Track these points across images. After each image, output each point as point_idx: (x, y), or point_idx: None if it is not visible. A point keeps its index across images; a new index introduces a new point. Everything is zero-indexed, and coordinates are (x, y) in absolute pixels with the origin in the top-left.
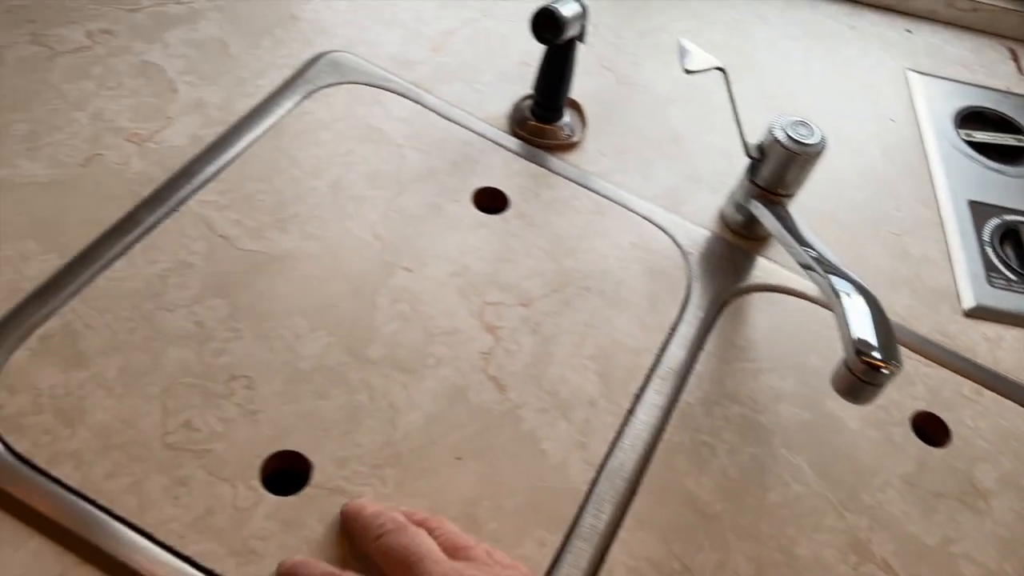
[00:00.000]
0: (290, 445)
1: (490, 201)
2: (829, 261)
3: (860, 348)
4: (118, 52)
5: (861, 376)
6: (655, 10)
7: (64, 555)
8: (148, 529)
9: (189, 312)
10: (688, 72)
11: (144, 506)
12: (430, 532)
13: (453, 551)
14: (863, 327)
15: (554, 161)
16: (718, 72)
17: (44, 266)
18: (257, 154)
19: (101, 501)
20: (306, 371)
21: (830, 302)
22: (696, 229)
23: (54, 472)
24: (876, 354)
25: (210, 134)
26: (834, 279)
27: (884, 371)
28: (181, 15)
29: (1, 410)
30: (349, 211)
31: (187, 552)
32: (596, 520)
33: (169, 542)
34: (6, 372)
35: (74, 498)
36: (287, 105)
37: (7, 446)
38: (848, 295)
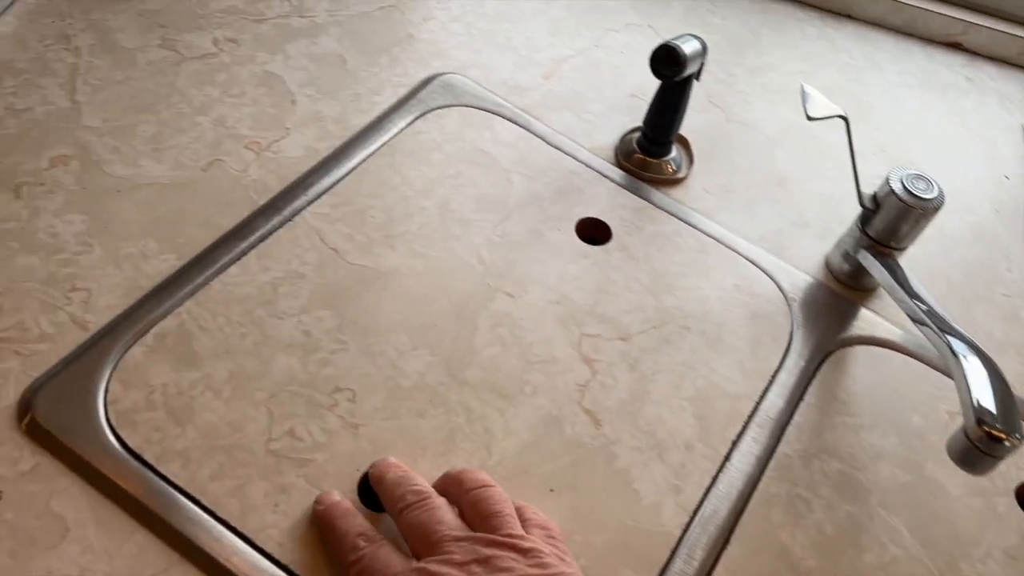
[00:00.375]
0: None
1: (592, 231)
2: (942, 318)
3: (982, 417)
4: (242, 61)
5: (981, 446)
6: (765, 49)
7: (168, 552)
8: (248, 534)
9: (298, 322)
10: (810, 119)
11: (245, 510)
12: (463, 493)
13: (481, 520)
14: (983, 393)
15: (657, 195)
16: (837, 119)
17: (163, 266)
18: (370, 170)
19: (205, 502)
20: (407, 388)
21: (945, 362)
22: (800, 275)
23: (163, 469)
24: (999, 425)
25: (325, 147)
26: (950, 339)
27: (1006, 443)
28: (303, 28)
29: (116, 404)
30: (455, 232)
31: (284, 560)
32: (687, 566)
33: (268, 548)
34: (122, 367)
35: (180, 497)
36: (400, 124)
37: (120, 441)
38: (965, 357)
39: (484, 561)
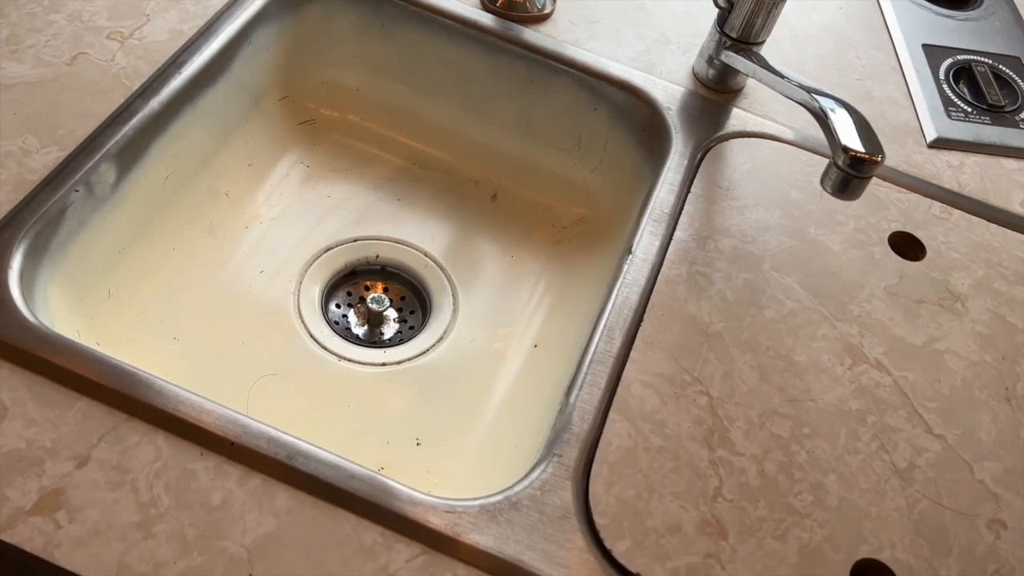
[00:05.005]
0: None
1: None
2: (811, 86)
3: (848, 147)
4: None
5: (851, 171)
6: None
7: (113, 412)
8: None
9: None
10: None
11: None
12: None
13: None
14: (849, 133)
15: (529, 32)
16: None
17: (47, 159)
18: None
19: None
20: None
21: (817, 119)
22: (672, 87)
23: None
24: (863, 148)
25: (190, 28)
26: (820, 99)
27: (870, 162)
28: None
29: None
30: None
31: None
32: (608, 345)
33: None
34: None
35: (112, 359)
36: None
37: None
38: (834, 111)
39: None
